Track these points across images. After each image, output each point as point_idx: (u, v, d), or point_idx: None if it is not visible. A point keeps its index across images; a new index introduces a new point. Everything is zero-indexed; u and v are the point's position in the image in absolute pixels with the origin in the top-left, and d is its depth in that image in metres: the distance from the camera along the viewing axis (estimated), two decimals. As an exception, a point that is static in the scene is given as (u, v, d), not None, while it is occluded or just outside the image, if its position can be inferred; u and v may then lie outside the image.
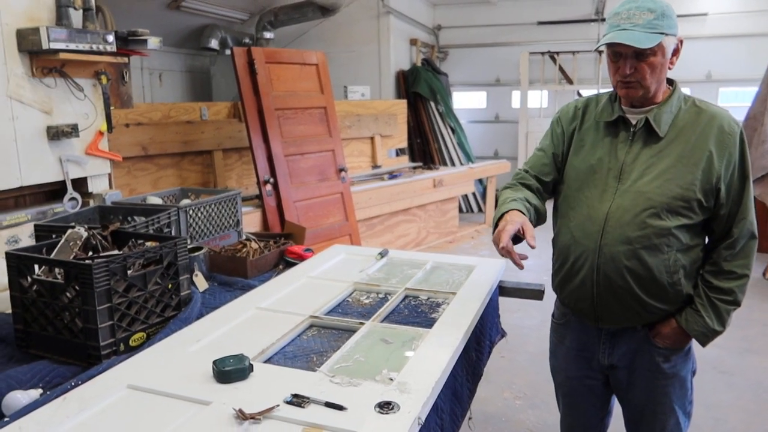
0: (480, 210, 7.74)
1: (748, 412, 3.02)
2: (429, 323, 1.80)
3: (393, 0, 7.55)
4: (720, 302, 1.61)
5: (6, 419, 1.28)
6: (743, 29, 8.09)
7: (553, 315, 1.93)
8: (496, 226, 1.64)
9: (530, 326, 4.14)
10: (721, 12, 8.19)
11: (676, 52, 1.58)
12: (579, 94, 8.91)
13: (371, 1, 7.47)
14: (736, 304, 1.62)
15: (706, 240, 1.68)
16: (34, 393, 1.41)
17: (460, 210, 7.29)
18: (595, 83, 8.38)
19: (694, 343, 1.72)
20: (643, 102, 1.61)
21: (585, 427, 1.94)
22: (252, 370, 1.42)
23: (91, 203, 2.82)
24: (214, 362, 1.41)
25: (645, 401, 1.73)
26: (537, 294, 2.24)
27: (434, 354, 1.55)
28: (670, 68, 1.59)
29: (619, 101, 1.67)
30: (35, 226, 2.08)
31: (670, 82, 1.66)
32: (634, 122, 1.63)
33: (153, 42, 2.80)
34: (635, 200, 1.58)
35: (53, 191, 2.80)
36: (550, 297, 2.16)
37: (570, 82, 8.54)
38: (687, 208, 1.56)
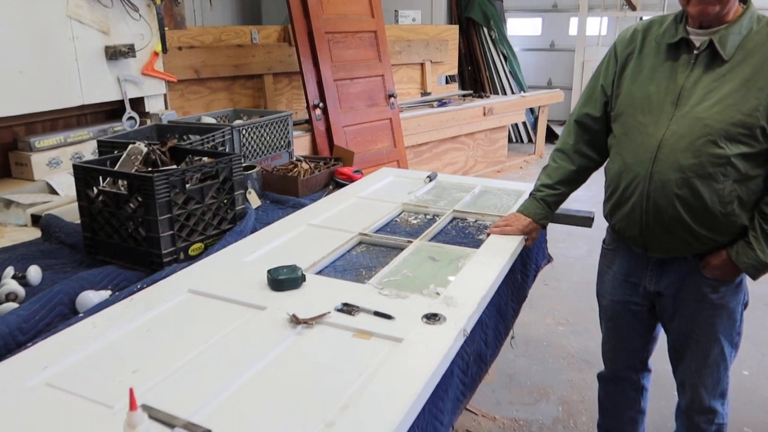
0: (530, 140, 7.57)
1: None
2: (476, 244, 1.82)
3: None
4: None
5: (80, 315, 1.38)
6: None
7: (603, 240, 1.92)
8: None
9: (576, 256, 4.12)
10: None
11: None
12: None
13: None
14: None
15: None
16: (104, 293, 1.52)
17: (510, 140, 7.15)
18: (660, 9, 7.86)
19: (747, 276, 1.68)
20: (712, 22, 1.51)
21: (627, 350, 1.95)
22: (304, 280, 1.48)
23: (149, 122, 2.90)
24: (269, 271, 1.48)
25: (689, 330, 1.72)
26: (586, 221, 2.21)
27: (480, 272, 1.57)
28: None
29: (685, 22, 1.57)
30: (98, 141, 2.17)
31: (744, 0, 1.55)
32: (697, 44, 1.53)
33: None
34: (692, 126, 1.51)
35: (112, 111, 2.89)
36: (598, 227, 2.15)
37: (633, 7, 8.02)
38: (748, 136, 1.47)
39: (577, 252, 4.15)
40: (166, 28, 2.90)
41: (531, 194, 1.93)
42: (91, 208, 1.78)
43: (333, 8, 4.49)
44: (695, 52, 1.53)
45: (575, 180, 1.88)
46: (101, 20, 2.64)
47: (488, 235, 1.85)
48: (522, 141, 7.72)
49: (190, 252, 1.75)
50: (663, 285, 1.72)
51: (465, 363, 1.46)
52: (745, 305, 1.73)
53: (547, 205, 1.88)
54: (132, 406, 0.76)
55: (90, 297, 1.48)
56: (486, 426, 2.46)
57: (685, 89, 1.54)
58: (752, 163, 1.51)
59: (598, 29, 8.65)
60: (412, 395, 1.03)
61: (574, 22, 8.79)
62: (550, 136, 7.77)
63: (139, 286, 1.53)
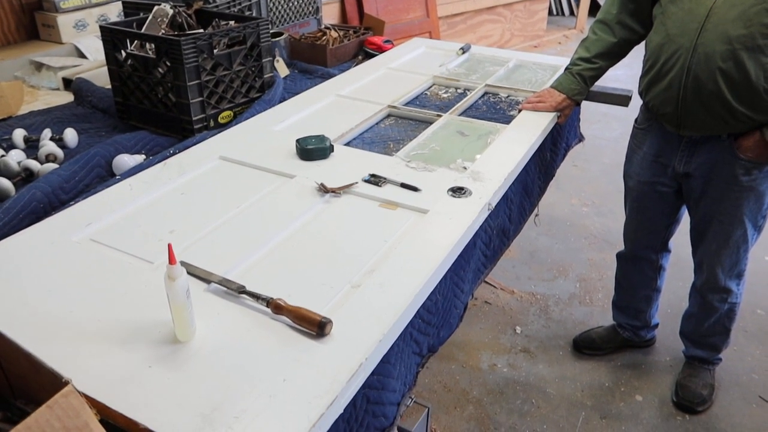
0: (572, 13, 7.11)
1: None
2: (506, 120, 1.79)
3: None
4: None
5: (117, 177, 1.43)
6: None
7: (636, 120, 1.86)
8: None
9: (609, 138, 4.02)
10: None
11: None
12: None
13: None
14: None
15: None
16: (139, 157, 1.56)
17: (550, 12, 6.72)
18: None
19: None
20: None
21: (649, 231, 1.97)
22: (332, 151, 1.49)
23: (173, -17, 2.79)
24: (297, 141, 1.49)
25: (715, 211, 1.71)
26: (623, 99, 2.13)
27: (509, 148, 1.56)
28: None
29: None
30: (123, 2, 2.10)
31: None
32: None
33: None
34: None
35: (136, -32, 2.77)
36: (634, 108, 2.07)
37: None
38: None
39: (611, 134, 4.05)
40: None
41: (567, 68, 1.86)
42: (120, 72, 1.78)
43: None
44: None
45: (615, 53, 1.80)
46: None
47: (520, 111, 1.81)
48: (563, 14, 7.25)
49: (220, 120, 1.76)
50: (693, 166, 1.70)
51: (488, 236, 1.50)
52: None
53: (583, 80, 1.81)
54: (171, 259, 0.81)
55: (125, 160, 1.52)
56: (504, 298, 2.57)
57: None
58: None
59: None
60: (435, 263, 1.08)
61: None
62: (594, 9, 7.27)
63: (171, 152, 1.56)
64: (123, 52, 1.76)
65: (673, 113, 1.62)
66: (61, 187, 1.39)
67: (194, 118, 1.68)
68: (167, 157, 1.51)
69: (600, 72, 1.82)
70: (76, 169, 1.46)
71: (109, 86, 1.85)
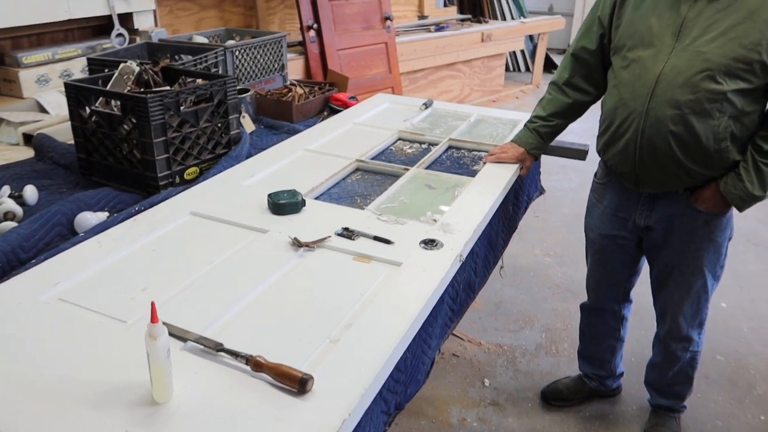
0: (528, 69, 7.43)
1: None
2: (471, 173, 1.84)
3: None
4: (766, 167, 1.54)
5: (82, 235, 1.40)
6: None
7: (595, 174, 1.93)
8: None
9: (568, 189, 4.16)
10: None
11: None
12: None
13: None
14: None
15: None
16: (102, 215, 1.53)
17: (507, 68, 7.01)
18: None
19: (734, 211, 1.70)
20: None
21: (611, 282, 2.01)
22: (304, 205, 1.50)
23: (138, 40, 2.82)
24: (269, 195, 1.49)
25: (676, 261, 1.76)
26: (580, 154, 2.22)
27: (476, 201, 1.60)
28: None
29: None
30: (88, 59, 2.11)
31: None
32: None
33: None
34: (691, 61, 1.47)
35: (100, 26, 2.80)
36: (591, 160, 2.16)
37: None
38: (747, 71, 1.44)
39: (569, 185, 4.19)
40: (154, -61, 2.77)
41: (525, 125, 1.93)
42: (84, 129, 1.76)
43: None
44: None
45: (570, 113, 1.87)
46: (85, -72, 2.51)
47: (485, 162, 1.87)
48: (519, 70, 7.58)
49: (186, 176, 1.75)
50: (653, 220, 1.74)
51: (455, 291, 1.51)
52: (730, 239, 1.77)
53: (540, 136, 1.88)
54: (154, 318, 0.80)
55: (88, 218, 1.49)
56: (471, 350, 2.56)
57: (688, 20, 1.48)
58: (748, 99, 1.49)
59: (603, -47, 8.32)
60: (412, 315, 1.08)
61: (578, -56, 8.45)
62: (549, 65, 7.63)
63: (136, 209, 1.54)
64: (87, 108, 1.75)
65: (630, 172, 1.67)
66: (20, 246, 1.35)
67: (160, 175, 1.67)
68: (132, 215, 1.48)
69: (556, 129, 1.89)
70: (36, 228, 1.42)
71: (72, 141, 1.83)
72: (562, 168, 4.30)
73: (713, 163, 1.56)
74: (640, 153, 1.61)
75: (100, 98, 1.78)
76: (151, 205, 1.54)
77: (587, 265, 2.08)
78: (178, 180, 1.72)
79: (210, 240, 1.36)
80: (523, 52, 7.40)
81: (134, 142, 1.67)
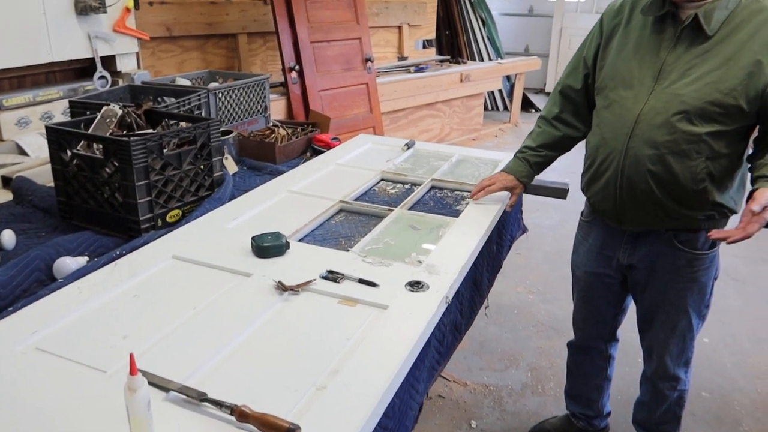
0: (506, 108, 7.59)
1: (754, 318, 3.12)
2: (454, 214, 1.85)
3: None
4: None
5: (61, 281, 1.37)
6: None
7: (582, 212, 1.94)
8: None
9: (548, 226, 4.20)
10: None
11: None
12: (619, -11, 8.39)
13: None
14: None
15: (750, 149, 1.58)
16: (81, 260, 1.50)
17: (485, 107, 7.15)
18: (638, -23, 7.85)
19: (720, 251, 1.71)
20: None
21: (597, 321, 2.02)
22: (288, 247, 1.49)
23: (120, 82, 2.83)
24: (253, 238, 1.48)
25: (660, 301, 1.77)
26: (561, 192, 2.26)
27: (460, 241, 1.60)
28: None
29: None
30: (70, 102, 2.10)
31: None
32: (683, 18, 1.51)
33: None
34: (668, 102, 1.51)
35: (82, 69, 2.80)
36: (572, 198, 2.19)
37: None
38: (723, 115, 1.47)
39: (550, 222, 4.24)
40: (138, -16, 2.81)
41: (515, 155, 1.94)
42: (65, 172, 1.74)
43: (310, -33, 4.38)
44: (680, 26, 1.51)
45: (558, 146, 1.88)
46: (70, -27, 2.53)
47: (472, 196, 1.88)
48: (498, 109, 7.73)
49: (168, 219, 1.74)
50: (636, 258, 1.75)
51: (441, 333, 1.50)
52: (715, 278, 1.77)
53: (529, 165, 1.89)
54: (132, 370, 0.78)
55: (67, 263, 1.46)
56: (457, 391, 2.53)
57: (667, 64, 1.53)
58: (725, 141, 1.51)
59: (577, -4, 8.64)
60: (400, 359, 1.07)
61: (552, -12, 8.76)
62: (526, 105, 7.80)
63: (118, 253, 1.51)
64: (69, 151, 1.74)
65: (612, 210, 1.69)
66: (-3, 293, 1.32)
67: (142, 218, 1.65)
68: (114, 259, 1.46)
69: (546, 160, 1.89)
70: (13, 274, 1.39)
71: (51, 184, 1.81)
72: (542, 205, 4.35)
73: (692, 202, 1.58)
74: (620, 191, 1.63)
75: (82, 141, 1.78)
76: (133, 249, 1.52)
77: (573, 302, 2.08)
78: (160, 223, 1.71)
79: (193, 284, 1.34)
80: (501, 91, 7.56)
81: (116, 186, 1.65)
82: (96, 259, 1.48)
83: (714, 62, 1.47)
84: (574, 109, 1.83)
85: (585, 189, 1.79)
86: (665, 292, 1.75)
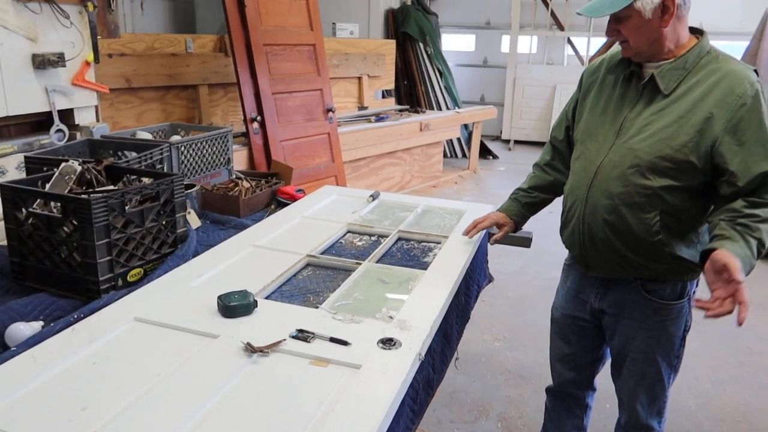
0: (464, 155, 7.75)
1: (714, 358, 3.19)
2: (422, 266, 1.85)
3: (384, -67, 7.27)
4: (749, 236, 1.43)
5: (13, 349, 1.29)
6: (737, -19, 8.02)
7: (566, 257, 1.97)
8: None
9: (511, 272, 4.24)
10: (717, -38, 8.07)
11: (665, 10, 1.49)
12: (569, 41, 8.81)
13: (362, -66, 7.19)
14: (763, 245, 1.44)
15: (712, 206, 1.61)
16: (36, 325, 1.43)
17: (445, 155, 7.29)
18: (587, 30, 8.29)
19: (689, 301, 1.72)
20: (650, 58, 1.58)
21: (574, 364, 2.01)
22: (256, 306, 1.45)
23: (78, 136, 2.77)
24: (219, 297, 1.44)
25: (628, 348, 1.79)
26: (525, 242, 2.29)
27: (430, 295, 1.60)
28: (664, 27, 1.51)
29: None
30: (26, 157, 2.05)
31: (700, 32, 1.60)
32: (645, 77, 1.59)
33: (141, -31, 2.68)
34: (624, 156, 1.58)
35: (39, 122, 2.74)
36: (535, 245, 2.23)
37: (561, 28, 8.42)
38: (675, 170, 1.53)
39: (512, 268, 4.28)
40: (99, 37, 2.79)
41: (509, 197, 2.03)
42: (19, 232, 1.68)
43: (272, 20, 4.46)
44: (641, 84, 1.59)
45: (549, 189, 1.96)
46: (28, 26, 2.50)
47: (467, 233, 1.99)
48: (456, 156, 7.89)
49: (129, 278, 1.68)
50: (606, 304, 1.79)
51: (415, 391, 1.46)
52: (687, 329, 1.78)
53: (520, 204, 1.97)
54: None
55: (21, 329, 1.38)
56: (429, 443, 2.48)
57: (628, 120, 1.61)
58: (681, 196, 1.56)
59: (529, 47, 9.01)
60: (375, 424, 1.04)
61: (506, 39, 9.14)
62: (484, 152, 7.99)
63: (75, 316, 1.45)
64: (24, 210, 1.68)
65: (579, 255, 1.75)
66: (-57, 364, 1.23)
67: (101, 278, 1.59)
68: (71, 323, 1.39)
69: (537, 201, 1.97)
70: (-38, 342, 1.31)
71: (4, 243, 1.74)
72: (504, 251, 4.37)
73: (649, 254, 1.62)
74: (583, 238, 1.70)
75: (39, 199, 1.72)
76: (92, 312, 1.46)
77: (550, 344, 2.07)
78: (120, 283, 1.65)
79: (157, 348, 1.28)
80: (459, 139, 7.74)
81: (75, 245, 1.59)
82: (52, 324, 1.41)
83: (668, 119, 1.54)
84: (562, 158, 1.93)
85: (560, 233, 1.86)
86: (633, 339, 1.77)
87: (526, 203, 1.98)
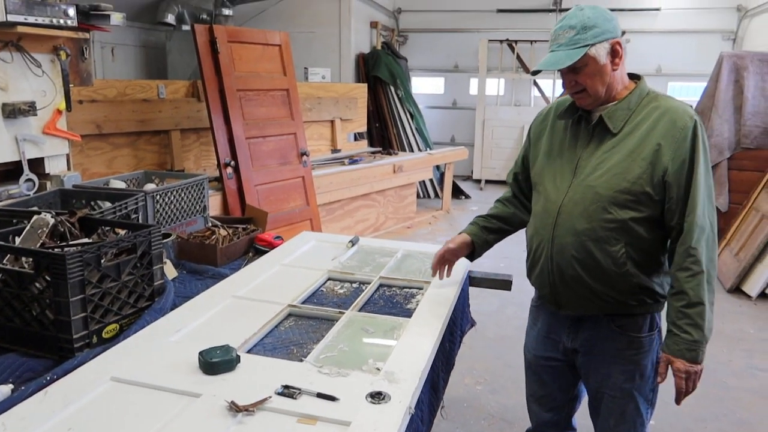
0: (437, 196, 7.82)
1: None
2: (406, 313, 1.83)
3: (354, -19, 7.46)
4: (686, 309, 1.58)
5: (-19, 415, 1.22)
6: (693, 25, 8.41)
7: (532, 298, 1.99)
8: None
9: (488, 312, 4.23)
10: (674, 8, 8.48)
11: (615, 53, 1.61)
12: (535, 84, 9.07)
13: (332, -18, 7.37)
14: (702, 303, 1.57)
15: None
16: (5, 389, 1.36)
17: (418, 195, 7.35)
18: (551, 73, 8.55)
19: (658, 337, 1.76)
20: (602, 102, 1.67)
21: (551, 407, 1.99)
22: (239, 361, 1.41)
23: (49, 185, 2.71)
24: (201, 353, 1.39)
25: (604, 386, 1.79)
26: (506, 284, 2.30)
27: (416, 344, 1.58)
28: (615, 69, 1.63)
29: None
30: (-6, 210, 1.98)
31: (638, 77, 1.73)
32: (593, 119, 1.69)
33: (116, 18, 2.69)
34: (584, 194, 1.65)
35: (6, 171, 2.67)
36: (513, 285, 2.24)
37: (527, 71, 8.67)
38: (635, 201, 1.61)
39: (490, 308, 4.27)
40: (71, 85, 2.76)
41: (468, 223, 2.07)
42: (-12, 288, 1.61)
43: (245, 66, 4.48)
44: (591, 126, 1.70)
45: (508, 221, 2.00)
46: (-1, 76, 2.46)
47: (438, 274, 1.99)
48: (429, 196, 7.95)
49: (104, 335, 1.62)
50: (579, 342, 1.80)
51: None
52: (659, 362, 1.77)
53: (479, 227, 2.00)
54: None
55: (-11, 393, 1.32)
56: (414, 494, 2.41)
57: (582, 159, 1.69)
58: (643, 227, 1.63)
59: (497, 89, 9.24)
60: (368, 489, 1.00)
61: (474, 82, 9.36)
62: (456, 192, 8.07)
63: (48, 378, 1.38)
64: (-7, 265, 1.62)
65: (550, 295, 1.78)
66: None
67: (75, 336, 1.52)
68: (43, 386, 1.33)
69: (495, 227, 2.00)
70: (-75, 410, 1.23)
71: (-30, 301, 1.66)
72: (481, 292, 4.38)
73: (618, 285, 1.66)
74: (552, 277, 1.73)
75: (9, 255, 1.66)
76: (66, 373, 1.39)
77: (526, 385, 2.06)
78: (95, 340, 1.59)
79: (136, 410, 1.23)
80: (431, 180, 7.82)
81: (47, 302, 1.53)
82: (23, 388, 1.35)
83: (621, 155, 1.63)
84: (524, 195, 1.99)
85: (528, 275, 1.88)
86: (609, 376, 1.77)
87: (484, 226, 2.01)
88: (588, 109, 1.70)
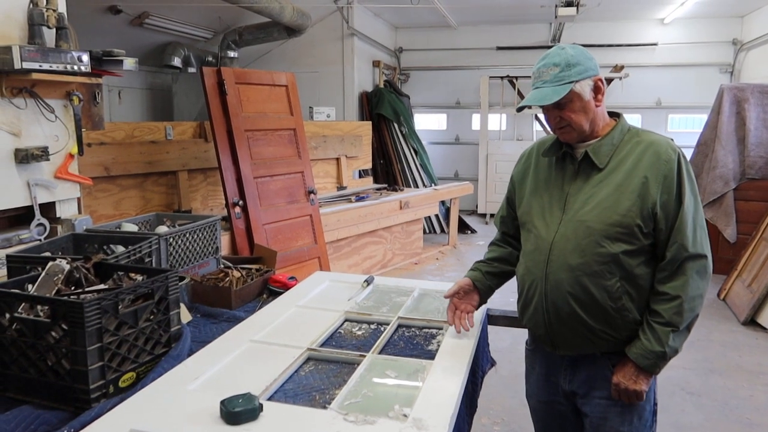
0: (443, 231, 7.80)
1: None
2: (428, 355, 1.78)
3: (357, 22, 7.61)
4: (656, 324, 1.61)
5: (-3, 474, 1.18)
6: (691, 59, 8.53)
7: (526, 342, 1.97)
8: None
9: (501, 349, 4.16)
10: (670, 42, 8.61)
11: (597, 90, 1.66)
12: (537, 118, 9.15)
13: (335, 23, 7.51)
14: (673, 326, 1.60)
15: None
16: (21, 442, 1.31)
17: (424, 231, 7.33)
18: (552, 107, 8.62)
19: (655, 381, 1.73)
20: (585, 138, 1.70)
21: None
22: (262, 410, 1.36)
23: (60, 229, 2.69)
24: (222, 403, 1.35)
25: (602, 428, 1.75)
26: (518, 321, 2.25)
27: (442, 387, 1.53)
28: (598, 105, 1.67)
29: None
30: (8, 257, 1.96)
31: (618, 115, 1.76)
32: (578, 155, 1.71)
33: (129, 63, 2.71)
34: (576, 229, 1.65)
35: (17, 216, 2.66)
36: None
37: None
38: (627, 234, 1.60)
39: (502, 345, 4.21)
40: (83, 129, 2.77)
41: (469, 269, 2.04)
42: (2, 338, 1.57)
43: (252, 106, 4.53)
44: (577, 162, 1.71)
45: (507, 260, 1.97)
46: (12, 122, 2.47)
47: (457, 327, 1.90)
48: (435, 232, 7.94)
49: (121, 384, 1.57)
50: (576, 384, 1.77)
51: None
52: (655, 404, 1.78)
53: (481, 273, 1.97)
54: None
55: (5, 448, 1.27)
56: None
57: (570, 195, 1.70)
58: (636, 260, 1.63)
59: (499, 124, 9.32)
60: None
61: (476, 117, 9.45)
62: (462, 227, 8.06)
63: (66, 431, 1.34)
64: (8, 315, 1.58)
65: (545, 335, 1.75)
66: None
67: (92, 386, 1.48)
68: (61, 439, 1.28)
69: (498, 271, 1.97)
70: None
71: (-17, 351, 1.62)
72: (492, 328, 4.34)
73: (615, 321, 1.65)
74: (547, 315, 1.71)
75: (24, 303, 1.63)
76: (83, 426, 1.35)
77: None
78: (112, 390, 1.54)
79: (158, 466, 1.18)
80: (437, 215, 7.81)
81: (63, 351, 1.50)
82: (40, 442, 1.30)
83: (609, 189, 1.64)
84: (513, 236, 1.98)
85: (520, 316, 1.86)
86: (605, 419, 1.74)
87: (487, 272, 1.98)
88: (572, 144, 1.72)
